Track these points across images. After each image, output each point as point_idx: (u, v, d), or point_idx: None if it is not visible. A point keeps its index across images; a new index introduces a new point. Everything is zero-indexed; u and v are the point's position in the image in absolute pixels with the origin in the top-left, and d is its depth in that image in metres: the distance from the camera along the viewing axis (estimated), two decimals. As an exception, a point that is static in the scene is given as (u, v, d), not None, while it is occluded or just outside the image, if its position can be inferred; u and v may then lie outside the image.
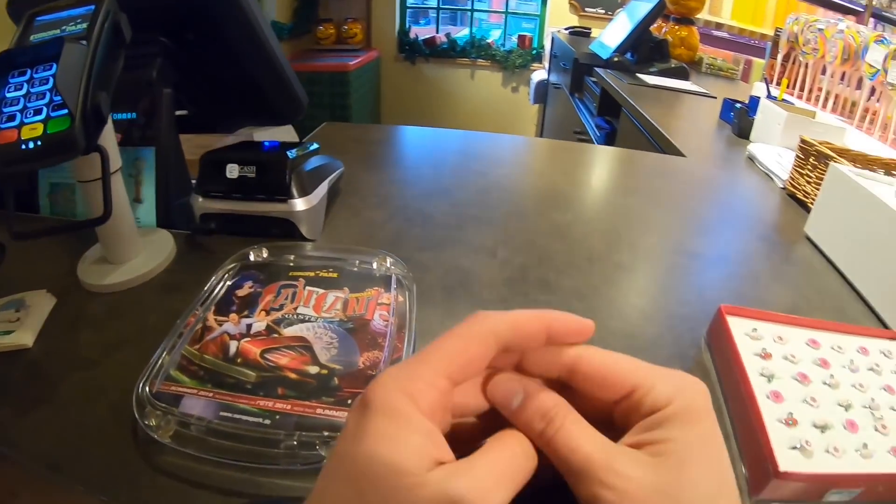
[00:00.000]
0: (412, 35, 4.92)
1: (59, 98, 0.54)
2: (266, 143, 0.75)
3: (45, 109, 0.54)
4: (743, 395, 0.49)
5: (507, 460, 0.27)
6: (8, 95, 0.55)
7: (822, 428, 0.48)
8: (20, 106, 0.54)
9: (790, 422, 0.47)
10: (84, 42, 0.56)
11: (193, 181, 0.78)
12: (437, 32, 5.02)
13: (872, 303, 0.75)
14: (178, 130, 0.86)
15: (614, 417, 0.29)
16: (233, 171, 0.72)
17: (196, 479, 0.45)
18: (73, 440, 0.48)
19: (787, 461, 0.44)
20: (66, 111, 0.53)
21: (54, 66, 0.55)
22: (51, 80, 0.54)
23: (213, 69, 0.87)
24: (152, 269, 0.68)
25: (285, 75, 0.88)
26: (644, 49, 2.55)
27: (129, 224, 0.68)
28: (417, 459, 0.26)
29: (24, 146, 0.53)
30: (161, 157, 0.82)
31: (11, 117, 0.54)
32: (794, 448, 0.45)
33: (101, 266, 0.68)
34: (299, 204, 0.73)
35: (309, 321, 0.56)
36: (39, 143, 0.53)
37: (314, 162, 0.79)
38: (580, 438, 0.27)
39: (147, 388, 0.47)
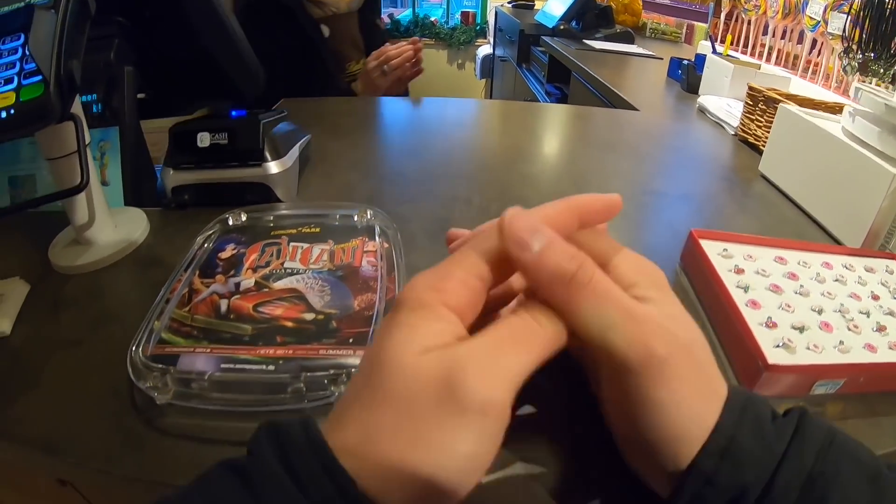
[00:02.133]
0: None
1: (30, 65, 0.52)
2: (234, 112, 0.75)
3: (15, 78, 0.52)
4: (723, 304, 0.52)
5: (507, 328, 0.28)
6: (-25, 68, 0.53)
7: (801, 329, 0.50)
8: (-11, 77, 0.52)
9: (770, 324, 0.50)
10: (53, 11, 0.54)
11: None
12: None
13: (828, 227, 0.79)
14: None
15: None
16: (204, 139, 0.71)
17: (203, 436, 0.43)
18: (69, 419, 0.46)
19: (773, 356, 0.46)
20: (39, 78, 0.52)
21: (22, 36, 0.53)
22: (20, 49, 0.53)
23: (170, 47, 0.86)
24: (127, 245, 0.67)
25: (242, 50, 0.88)
26: (589, 16, 2.59)
27: (100, 200, 0.66)
28: (429, 340, 0.28)
29: (-4, 116, 0.51)
30: (125, 137, 0.80)
31: (-19, 88, 0.52)
32: (778, 346, 0.48)
33: (74, 248, 0.66)
34: (273, 167, 0.72)
35: (298, 273, 0.55)
36: (13, 111, 0.51)
37: (282, 127, 0.78)
38: (608, 282, 0.30)
39: (140, 353, 0.46)
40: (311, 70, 1.54)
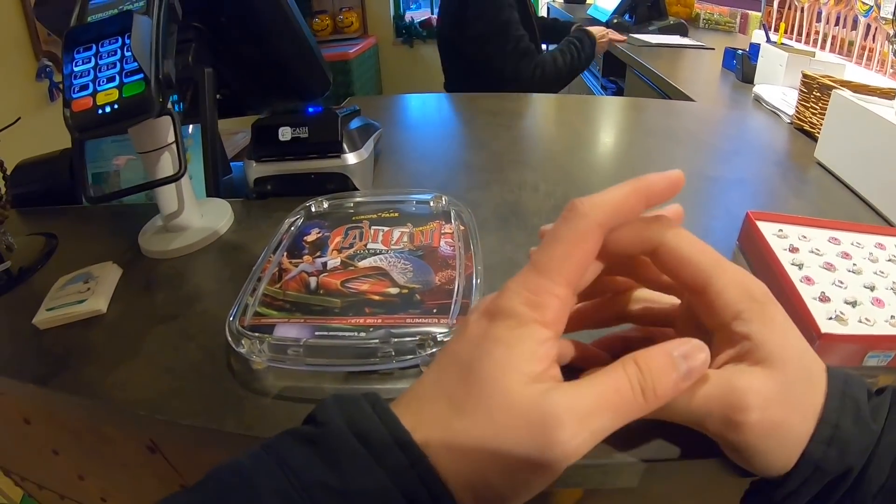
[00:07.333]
0: (407, 19, 4.93)
1: (130, 65, 0.57)
2: (311, 108, 0.80)
3: (117, 77, 0.57)
4: (779, 280, 0.55)
5: (613, 393, 0.30)
6: (76, 69, 0.58)
7: (853, 303, 0.53)
8: (91, 77, 0.58)
9: (823, 299, 0.53)
10: (148, 16, 0.60)
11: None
12: (432, 14, 5.03)
13: (883, 211, 0.80)
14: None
15: (692, 306, 0.35)
16: (285, 133, 0.76)
17: (299, 396, 0.46)
18: (168, 383, 0.49)
19: (826, 327, 0.49)
20: (140, 76, 0.57)
21: (120, 39, 0.59)
22: (118, 51, 0.58)
23: (244, 50, 0.91)
24: (214, 232, 0.71)
25: (313, 52, 0.93)
26: (641, 9, 2.59)
27: (189, 191, 0.70)
28: (528, 365, 0.30)
29: (100, 111, 0.56)
30: (206, 134, 0.86)
31: (84, 87, 0.57)
32: (831, 318, 0.51)
33: (163, 235, 0.70)
34: (351, 158, 0.77)
35: (380, 254, 0.59)
36: (116, 106, 0.56)
37: (357, 122, 0.83)
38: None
39: (237, 323, 0.49)
40: None
